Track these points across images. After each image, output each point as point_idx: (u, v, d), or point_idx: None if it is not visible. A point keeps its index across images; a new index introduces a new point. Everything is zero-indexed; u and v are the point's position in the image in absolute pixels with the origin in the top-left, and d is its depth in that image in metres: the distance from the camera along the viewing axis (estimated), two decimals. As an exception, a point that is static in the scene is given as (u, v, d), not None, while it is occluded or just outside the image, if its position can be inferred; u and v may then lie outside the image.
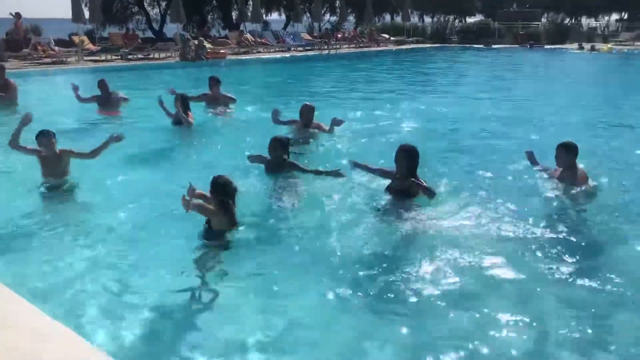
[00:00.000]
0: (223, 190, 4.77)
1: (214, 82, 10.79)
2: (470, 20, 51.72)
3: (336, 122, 8.42)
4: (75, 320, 3.59)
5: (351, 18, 44.25)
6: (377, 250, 4.77)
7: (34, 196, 6.01)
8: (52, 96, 13.49)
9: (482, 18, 48.26)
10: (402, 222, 5.23)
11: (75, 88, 10.51)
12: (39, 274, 4.29)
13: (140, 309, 3.82)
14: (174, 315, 3.83)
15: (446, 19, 49.11)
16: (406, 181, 5.52)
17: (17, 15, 22.46)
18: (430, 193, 5.48)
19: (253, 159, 6.64)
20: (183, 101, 9.32)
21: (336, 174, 6.15)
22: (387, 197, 5.73)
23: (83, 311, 3.79)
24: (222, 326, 3.69)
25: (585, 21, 50.91)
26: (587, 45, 32.95)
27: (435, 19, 50.06)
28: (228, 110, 10.73)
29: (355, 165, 6.17)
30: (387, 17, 49.11)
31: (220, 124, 10.10)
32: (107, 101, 10.81)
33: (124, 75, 17.41)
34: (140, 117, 10.46)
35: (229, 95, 10.94)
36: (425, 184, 5.52)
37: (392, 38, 36.90)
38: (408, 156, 5.56)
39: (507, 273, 4.33)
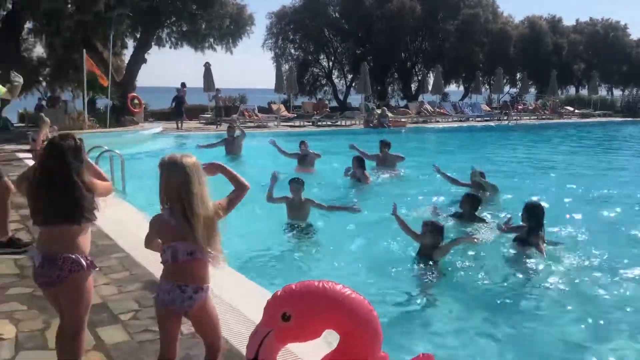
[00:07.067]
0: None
1: (384, 145, 12.26)
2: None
3: None
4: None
5: (532, 90, 43.69)
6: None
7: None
8: (260, 153, 15.71)
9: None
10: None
11: (273, 142, 12.58)
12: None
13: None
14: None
15: (639, 92, 46.08)
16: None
17: (217, 91, 26.16)
18: None
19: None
20: (359, 161, 10.90)
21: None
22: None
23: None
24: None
25: None
26: None
27: (626, 92, 47.24)
28: (395, 171, 11.96)
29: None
30: (572, 90, 47.57)
31: (389, 181, 11.37)
32: (304, 159, 12.59)
33: (314, 138, 19.50)
34: (331, 175, 11.97)
35: (398, 154, 12.17)
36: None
37: (576, 111, 35.73)
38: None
39: None
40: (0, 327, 3.99)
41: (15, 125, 21.46)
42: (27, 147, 13.49)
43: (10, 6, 21.11)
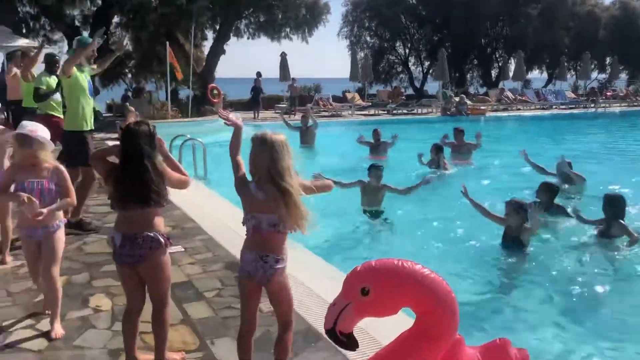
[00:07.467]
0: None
1: (458, 132, 12.21)
2: None
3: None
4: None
5: (623, 75, 41.15)
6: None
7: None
8: (334, 142, 15.83)
9: None
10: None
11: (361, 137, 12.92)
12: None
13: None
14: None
15: None
16: None
17: (293, 80, 26.43)
18: None
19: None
20: (438, 149, 11.00)
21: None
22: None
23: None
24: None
25: None
26: None
27: None
28: (470, 159, 11.89)
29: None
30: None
31: (465, 169, 11.30)
32: (376, 147, 12.68)
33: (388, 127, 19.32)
34: (406, 163, 11.87)
35: (472, 142, 12.00)
36: None
37: (674, 96, 33.23)
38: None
39: None
40: (98, 300, 4.32)
41: (104, 115, 22.73)
42: (115, 135, 14.31)
43: (100, 2, 22.35)
